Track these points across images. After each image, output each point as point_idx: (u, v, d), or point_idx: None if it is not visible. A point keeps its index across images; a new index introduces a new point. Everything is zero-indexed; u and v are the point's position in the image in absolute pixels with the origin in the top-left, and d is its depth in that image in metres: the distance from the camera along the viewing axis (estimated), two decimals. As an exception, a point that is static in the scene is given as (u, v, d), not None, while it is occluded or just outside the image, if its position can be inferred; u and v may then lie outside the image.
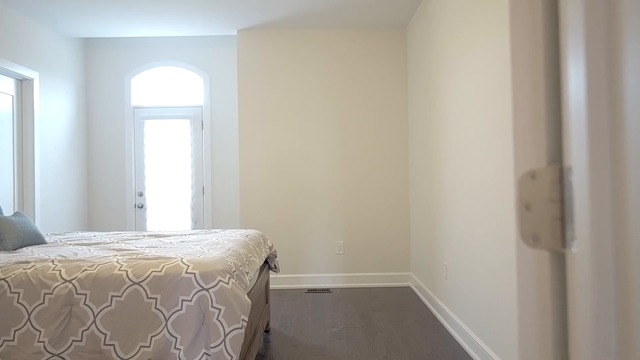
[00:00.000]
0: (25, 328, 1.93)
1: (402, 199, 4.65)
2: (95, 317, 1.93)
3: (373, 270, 4.64)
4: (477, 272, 2.72)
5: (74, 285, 1.96)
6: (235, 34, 4.75)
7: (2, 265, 2.06)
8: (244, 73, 4.66)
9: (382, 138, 4.65)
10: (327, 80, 4.66)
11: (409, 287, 4.57)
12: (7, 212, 3.96)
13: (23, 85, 4.16)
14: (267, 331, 3.33)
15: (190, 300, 1.94)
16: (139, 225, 5.11)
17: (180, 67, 5.08)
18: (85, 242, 2.73)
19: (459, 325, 3.04)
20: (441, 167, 3.45)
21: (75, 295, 1.95)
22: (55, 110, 4.52)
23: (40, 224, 4.23)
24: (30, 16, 4.12)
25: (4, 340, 1.93)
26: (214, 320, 1.90)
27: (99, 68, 5.09)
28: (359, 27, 4.61)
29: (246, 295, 2.00)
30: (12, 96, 4.05)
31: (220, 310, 1.92)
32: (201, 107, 5.09)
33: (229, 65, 5.06)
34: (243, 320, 1.93)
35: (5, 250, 2.46)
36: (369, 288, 4.56)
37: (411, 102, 4.47)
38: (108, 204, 5.09)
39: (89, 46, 5.09)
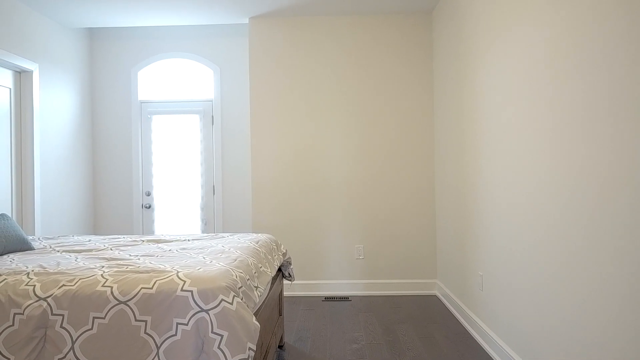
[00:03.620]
0: (-8, 355, 1.62)
1: (427, 200, 4.26)
2: (73, 342, 1.61)
3: (395, 276, 4.27)
4: (521, 286, 2.34)
5: (49, 304, 1.64)
6: (247, 22, 4.42)
7: (-31, 278, 1.76)
8: (256, 64, 4.33)
9: (405, 132, 4.28)
10: (345, 71, 4.30)
11: (435, 296, 4.19)
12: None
13: (21, 77, 3.89)
14: (280, 347, 2.99)
15: (187, 324, 1.60)
16: (147, 226, 4.83)
17: (189, 59, 4.77)
18: (76, 248, 2.43)
19: (498, 345, 2.66)
20: (475, 164, 3.06)
21: (51, 317, 1.63)
22: (56, 105, 4.25)
23: (40, 226, 3.96)
24: (30, 4, 3.85)
25: (-32, 369, 1.62)
26: (215, 348, 1.57)
27: (104, 60, 4.82)
28: (379, 12, 4.24)
29: (254, 318, 1.66)
30: (10, 89, 3.78)
31: (222, 336, 1.58)
32: (211, 101, 4.78)
33: (241, 57, 4.73)
34: (250, 349, 1.59)
35: (-17, 258, 2.16)
36: (391, 296, 4.19)
37: (437, 93, 4.08)
38: (114, 204, 4.81)
39: (93, 37, 4.81)
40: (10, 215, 3.67)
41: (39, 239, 2.85)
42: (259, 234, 2.90)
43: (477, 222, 3.05)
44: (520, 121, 2.35)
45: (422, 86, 4.28)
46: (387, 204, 4.27)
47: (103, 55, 4.82)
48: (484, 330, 2.92)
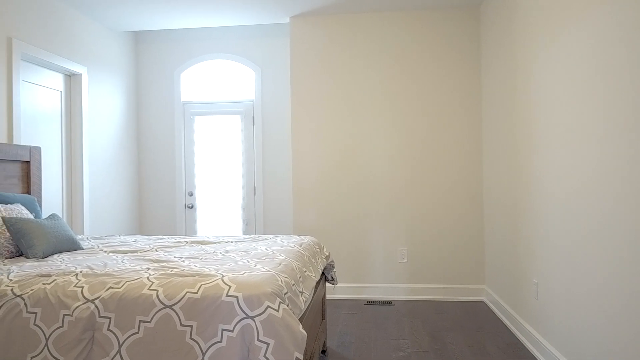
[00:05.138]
0: (42, 355, 1.63)
1: (475, 201, 4.08)
2: (120, 346, 1.59)
3: (441, 281, 4.11)
4: (583, 296, 2.17)
5: (96, 306, 1.64)
6: (288, 21, 4.38)
7: (21, 278, 1.79)
8: (297, 64, 4.29)
9: (450, 131, 4.11)
10: (388, 69, 4.18)
11: (483, 302, 4.01)
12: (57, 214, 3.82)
13: (71, 80, 4.01)
14: (323, 352, 2.92)
15: (232, 331, 1.56)
16: (189, 226, 4.88)
17: (231, 59, 4.79)
18: (122, 249, 2.45)
19: (556, 358, 2.48)
20: (529, 163, 2.88)
21: (98, 319, 1.63)
22: (104, 107, 4.36)
23: (88, 226, 4.07)
24: (79, 9, 3.96)
25: (20, 369, 1.64)
26: (261, 357, 1.52)
27: (148, 63, 4.91)
28: (424, 7, 4.10)
29: (300, 326, 1.60)
30: (61, 92, 3.90)
31: (268, 344, 1.52)
32: (252, 101, 4.78)
33: (281, 57, 4.70)
34: (297, 358, 1.53)
35: (35, 257, 2.21)
36: (436, 302, 4.05)
37: (486, 89, 3.90)
38: (158, 204, 4.90)
39: (138, 40, 4.92)
40: (60, 215, 3.79)
41: (87, 238, 2.90)
42: (302, 237, 2.84)
43: (531, 225, 2.87)
44: (580, 119, 2.17)
45: (469, 83, 4.10)
46: (431, 205, 4.13)
47: (147, 58, 4.91)
48: (539, 341, 2.74)
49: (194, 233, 4.91)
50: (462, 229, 4.10)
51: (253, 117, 4.77)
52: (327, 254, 2.91)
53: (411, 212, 4.15)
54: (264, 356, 1.51)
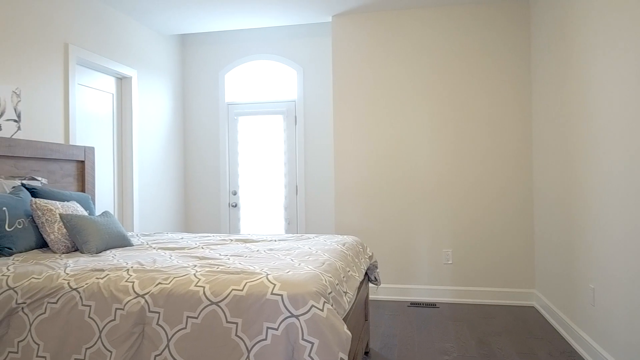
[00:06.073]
0: (96, 347, 1.69)
1: (524, 201, 3.92)
2: (169, 340, 1.63)
3: (487, 284, 3.98)
4: (650, 304, 2.02)
5: (146, 301, 1.68)
6: (330, 20, 4.37)
7: (77, 272, 1.86)
8: (340, 63, 4.27)
9: (498, 130, 3.97)
10: (431, 66, 4.09)
11: (533, 307, 3.84)
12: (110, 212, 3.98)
13: (122, 83, 4.17)
14: (366, 353, 2.89)
15: (277, 329, 1.56)
16: (233, 224, 4.97)
17: (273, 60, 4.83)
18: (170, 245, 2.51)
19: (616, 369, 2.34)
20: (584, 163, 2.73)
21: (148, 313, 1.67)
22: (152, 109, 4.51)
23: (138, 223, 4.22)
24: (130, 14, 4.11)
25: (75, 359, 1.71)
26: (306, 357, 1.51)
27: (194, 65, 5.04)
28: (470, 2, 3.97)
29: (345, 326, 1.58)
30: (112, 94, 4.06)
31: (312, 344, 1.51)
32: (294, 101, 4.81)
33: (323, 56, 4.70)
34: (341, 359, 1.51)
35: (89, 253, 2.30)
36: (482, 305, 3.92)
37: (537, 87, 3.74)
38: (203, 202, 5.02)
39: (185, 43, 5.05)
40: (112, 213, 3.95)
41: (137, 235, 3.00)
42: (345, 236, 2.82)
43: (586, 226, 2.72)
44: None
45: (518, 81, 3.94)
46: (478, 205, 4.00)
47: (193, 60, 5.04)
48: (595, 350, 2.59)
49: (237, 231, 4.99)
50: (510, 229, 3.95)
51: (295, 117, 4.79)
52: (370, 254, 2.88)
53: (456, 213, 4.03)
54: (309, 355, 1.51)
